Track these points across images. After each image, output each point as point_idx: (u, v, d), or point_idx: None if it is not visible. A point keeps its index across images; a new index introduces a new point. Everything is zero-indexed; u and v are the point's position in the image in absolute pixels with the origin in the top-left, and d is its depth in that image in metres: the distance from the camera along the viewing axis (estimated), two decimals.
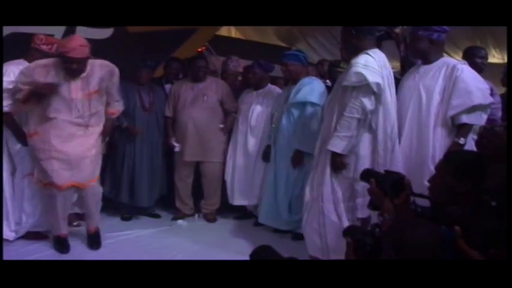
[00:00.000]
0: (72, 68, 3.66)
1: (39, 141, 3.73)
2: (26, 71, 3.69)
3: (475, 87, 3.31)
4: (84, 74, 3.76)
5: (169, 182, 5.11)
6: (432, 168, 3.22)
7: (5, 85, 3.76)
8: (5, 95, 3.76)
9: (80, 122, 3.79)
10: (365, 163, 3.31)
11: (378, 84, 3.22)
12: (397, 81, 3.61)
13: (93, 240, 4.08)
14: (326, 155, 3.43)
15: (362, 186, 3.32)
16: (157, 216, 5.09)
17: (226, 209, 5.15)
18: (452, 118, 3.34)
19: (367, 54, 3.29)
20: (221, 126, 4.96)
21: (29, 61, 3.91)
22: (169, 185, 5.11)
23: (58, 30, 4.91)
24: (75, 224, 4.43)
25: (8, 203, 3.96)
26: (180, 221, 4.95)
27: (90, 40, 4.80)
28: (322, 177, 3.46)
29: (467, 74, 3.35)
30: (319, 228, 3.48)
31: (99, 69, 3.83)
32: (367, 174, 2.38)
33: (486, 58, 4.38)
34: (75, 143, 3.77)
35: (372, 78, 3.20)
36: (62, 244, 3.94)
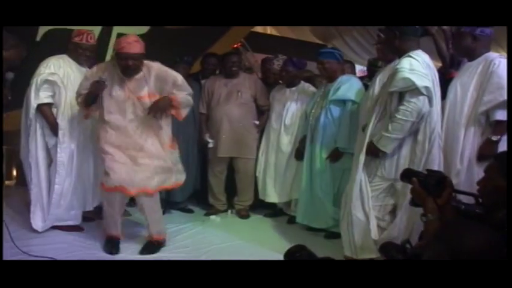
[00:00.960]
0: (128, 64, 3.58)
1: (99, 145, 3.77)
2: (87, 75, 3.77)
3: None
4: (138, 76, 3.70)
5: (203, 177, 5.13)
6: (459, 166, 3.23)
7: (45, 76, 3.92)
8: (44, 86, 3.92)
9: (132, 125, 3.72)
10: (405, 163, 3.31)
11: (427, 88, 3.18)
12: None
13: (148, 247, 3.91)
14: (360, 154, 3.43)
15: (402, 185, 3.32)
16: (191, 211, 5.13)
17: (257, 205, 5.16)
18: (488, 115, 3.24)
19: (411, 57, 3.25)
20: (256, 122, 4.96)
21: (69, 55, 4.10)
22: (203, 181, 5.14)
23: (96, 26, 4.98)
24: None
25: (44, 195, 4.05)
26: (213, 217, 4.96)
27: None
28: (354, 175, 3.48)
29: (504, 68, 3.20)
30: (347, 226, 3.53)
31: (156, 75, 3.75)
32: (408, 174, 2.32)
33: None
34: (128, 150, 3.71)
35: (421, 82, 3.16)
36: (112, 245, 3.85)
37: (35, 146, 4.00)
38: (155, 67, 3.75)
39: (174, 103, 3.77)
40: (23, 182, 4.63)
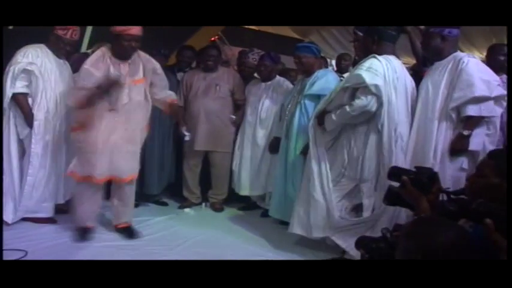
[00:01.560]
0: (132, 45, 3.68)
1: (82, 134, 3.71)
2: (84, 71, 3.69)
3: (479, 79, 3.22)
4: (130, 60, 3.79)
5: (177, 170, 5.13)
6: (433, 161, 3.29)
7: (23, 66, 3.86)
8: (22, 75, 3.86)
9: (125, 107, 3.76)
10: (371, 164, 3.48)
11: (376, 86, 3.33)
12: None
13: (130, 233, 4.04)
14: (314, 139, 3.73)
15: (368, 187, 3.46)
16: (165, 204, 5.14)
17: (231, 199, 5.19)
18: (459, 111, 3.31)
19: (374, 57, 3.41)
20: (233, 117, 4.97)
21: (49, 46, 4.06)
22: (177, 174, 5.14)
23: None
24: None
25: (16, 187, 4.01)
26: (187, 210, 4.98)
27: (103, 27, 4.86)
28: (308, 158, 3.75)
29: (473, 65, 3.27)
30: (304, 205, 3.73)
31: (143, 59, 3.87)
32: (396, 172, 2.23)
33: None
34: (117, 136, 3.73)
35: (371, 79, 3.31)
36: (84, 235, 3.87)
37: (8, 136, 3.94)
38: (141, 53, 3.87)
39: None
40: None
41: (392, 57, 3.48)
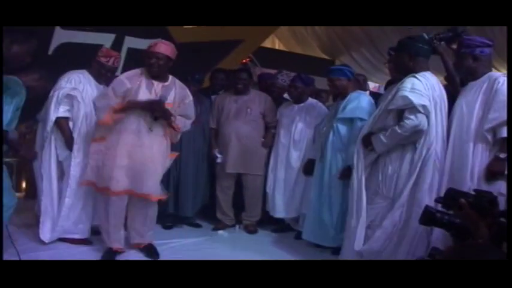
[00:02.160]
0: (151, 62, 3.75)
1: (104, 146, 3.82)
2: (117, 80, 3.83)
3: None
4: (165, 83, 3.88)
5: (211, 192, 5.16)
6: (470, 183, 3.21)
7: (67, 91, 3.98)
8: (65, 100, 3.97)
9: (150, 126, 3.79)
10: (404, 182, 3.44)
11: (424, 106, 3.31)
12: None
13: (151, 252, 4.07)
14: (357, 164, 3.66)
15: (400, 204, 3.44)
16: (199, 226, 5.15)
17: (265, 221, 5.17)
18: (495, 133, 3.24)
19: (415, 77, 3.38)
20: (262, 140, 4.99)
21: (91, 72, 4.18)
22: (211, 196, 5.16)
23: (107, 40, 5.04)
24: None
25: (54, 207, 4.09)
26: (220, 232, 4.98)
27: (137, 50, 4.96)
28: (351, 183, 3.71)
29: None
30: (346, 231, 3.72)
31: (178, 87, 3.94)
32: (454, 195, 2.14)
33: None
34: (142, 152, 3.79)
35: (418, 100, 3.30)
36: (111, 256, 3.91)
37: (49, 158, 4.04)
38: (178, 82, 3.96)
39: (174, 125, 3.93)
40: (31, 194, 4.65)
41: (429, 74, 3.45)
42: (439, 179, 3.40)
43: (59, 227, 4.07)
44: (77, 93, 4.00)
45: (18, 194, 5.28)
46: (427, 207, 2.21)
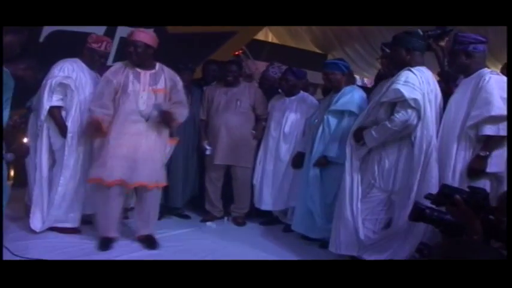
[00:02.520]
0: (130, 50, 3.80)
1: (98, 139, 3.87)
2: (103, 79, 3.91)
3: (498, 97, 3.14)
4: (153, 71, 3.92)
5: (200, 183, 5.16)
6: (451, 181, 3.22)
7: (60, 79, 3.96)
8: (58, 89, 3.96)
9: (143, 114, 3.85)
10: (403, 176, 3.45)
11: (415, 100, 3.31)
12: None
13: (150, 243, 4.07)
14: (350, 158, 3.67)
15: (400, 199, 3.41)
16: (187, 217, 5.15)
17: (253, 214, 5.19)
18: (478, 130, 3.25)
19: (409, 70, 3.38)
20: (253, 132, 5.00)
21: (83, 60, 4.16)
22: (200, 187, 5.17)
23: (99, 30, 5.01)
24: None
25: (45, 197, 4.08)
26: (209, 223, 4.98)
27: None
28: (343, 177, 3.69)
29: (493, 83, 3.19)
30: (335, 223, 3.72)
31: (167, 73, 3.99)
32: (448, 191, 2.13)
33: None
34: (137, 141, 3.84)
35: (410, 94, 3.29)
36: (106, 244, 3.93)
37: (40, 147, 4.03)
38: (166, 68, 4.00)
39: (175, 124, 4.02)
40: (19, 183, 4.63)
41: (424, 69, 3.46)
42: (437, 173, 3.40)
43: (51, 216, 4.07)
44: (70, 81, 3.99)
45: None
46: (416, 203, 2.22)
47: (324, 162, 4.25)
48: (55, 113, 4.00)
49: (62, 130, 4.01)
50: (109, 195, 3.86)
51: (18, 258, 3.37)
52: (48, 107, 3.95)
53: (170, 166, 4.76)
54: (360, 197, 3.62)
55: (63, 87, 3.99)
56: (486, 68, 3.40)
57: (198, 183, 5.17)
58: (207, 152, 4.92)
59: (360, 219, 3.61)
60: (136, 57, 3.82)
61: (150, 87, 3.88)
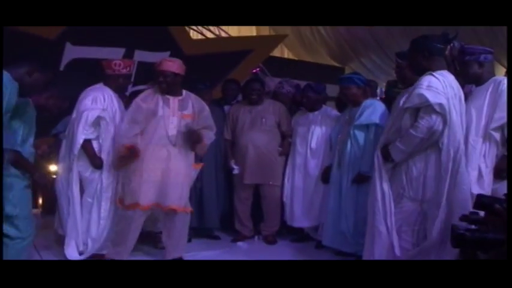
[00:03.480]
0: (160, 80, 3.89)
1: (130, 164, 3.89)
2: (134, 104, 3.93)
3: None
4: (180, 97, 4.03)
5: (229, 203, 5.13)
6: (477, 184, 3.31)
7: (97, 113, 3.97)
8: (93, 121, 3.97)
9: (172, 139, 3.92)
10: (432, 184, 3.36)
11: (440, 105, 3.23)
12: None
13: None
14: (379, 170, 3.54)
15: (430, 207, 3.36)
16: (217, 237, 5.12)
17: (283, 231, 5.14)
18: (502, 131, 3.34)
19: (431, 75, 3.32)
20: (279, 149, 4.98)
21: (109, 86, 4.14)
22: (230, 207, 5.14)
23: (117, 55, 5.04)
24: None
25: (78, 224, 4.05)
26: (240, 243, 4.95)
27: (147, 63, 4.97)
28: (373, 190, 3.57)
29: None
30: (370, 239, 3.58)
31: (193, 99, 4.09)
32: (486, 202, 2.03)
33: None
34: (167, 165, 3.89)
35: (434, 99, 3.22)
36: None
37: (72, 179, 4.02)
38: (192, 94, 4.10)
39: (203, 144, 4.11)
40: (48, 210, 4.60)
41: (446, 73, 3.38)
42: (468, 179, 3.34)
43: (92, 248, 4.04)
44: (105, 114, 3.99)
45: (34, 210, 5.29)
46: (453, 228, 2.11)
47: (362, 179, 4.19)
48: (88, 145, 3.98)
49: (96, 162, 4.00)
50: (134, 218, 3.89)
51: None
52: (81, 141, 3.93)
53: (203, 189, 4.80)
54: (393, 210, 3.51)
55: (97, 119, 3.98)
56: (498, 75, 3.60)
57: (227, 204, 5.14)
58: (235, 171, 4.91)
59: (395, 233, 3.49)
60: (166, 85, 3.91)
61: (179, 112, 3.96)
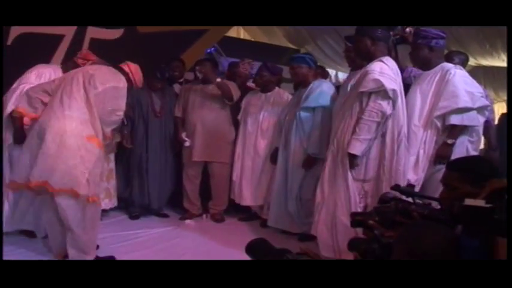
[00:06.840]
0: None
1: None
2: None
3: (464, 90, 3.46)
4: None
5: (178, 182, 5.15)
6: (413, 166, 3.48)
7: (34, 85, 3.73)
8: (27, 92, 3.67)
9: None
10: (374, 165, 3.48)
11: (394, 91, 3.34)
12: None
13: None
14: (338, 158, 3.52)
15: (371, 186, 3.45)
16: (165, 215, 5.14)
17: (231, 210, 5.21)
18: (444, 120, 3.50)
19: (382, 61, 3.41)
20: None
21: (63, 68, 4.07)
22: (178, 185, 5.16)
23: (68, 31, 4.95)
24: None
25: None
26: (187, 221, 4.98)
27: (100, 41, 4.90)
28: (334, 179, 3.55)
29: (459, 77, 3.51)
30: (331, 229, 3.57)
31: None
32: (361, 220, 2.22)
33: (464, 64, 4.36)
34: (50, 137, 3.33)
35: (389, 84, 3.31)
36: None
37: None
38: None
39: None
40: None
41: (391, 60, 3.48)
42: (406, 160, 3.48)
43: None
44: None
45: None
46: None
47: (311, 161, 4.27)
48: (17, 120, 3.68)
49: (21, 137, 3.66)
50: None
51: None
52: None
53: (148, 169, 4.84)
54: (358, 200, 3.50)
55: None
56: (446, 63, 3.68)
57: (176, 182, 5.16)
58: (186, 144, 4.91)
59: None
60: None
61: None
